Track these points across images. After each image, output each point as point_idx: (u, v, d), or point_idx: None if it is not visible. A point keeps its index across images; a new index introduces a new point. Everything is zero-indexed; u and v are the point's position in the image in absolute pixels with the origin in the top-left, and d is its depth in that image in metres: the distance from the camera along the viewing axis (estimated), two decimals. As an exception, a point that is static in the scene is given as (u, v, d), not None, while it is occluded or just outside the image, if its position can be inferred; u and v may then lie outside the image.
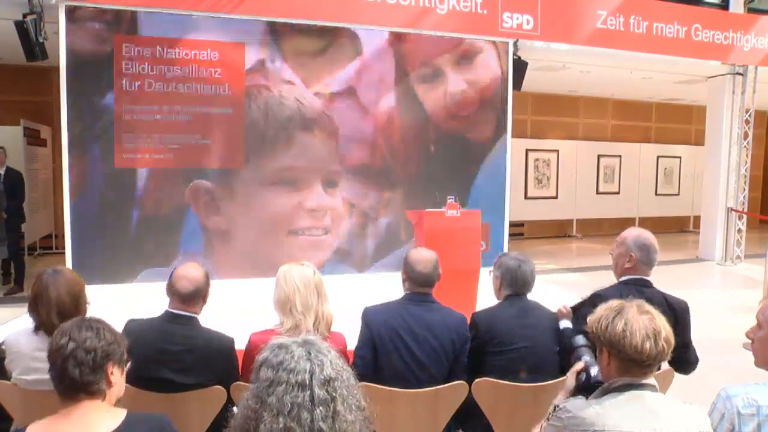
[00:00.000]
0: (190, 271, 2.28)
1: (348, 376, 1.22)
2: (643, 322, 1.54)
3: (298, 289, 2.24)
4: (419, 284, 2.48)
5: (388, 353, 2.35)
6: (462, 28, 6.94)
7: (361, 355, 2.38)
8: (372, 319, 2.42)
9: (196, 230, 6.28)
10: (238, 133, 6.41)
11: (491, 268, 2.65)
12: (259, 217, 6.48)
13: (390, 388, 2.22)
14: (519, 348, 2.38)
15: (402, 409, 2.22)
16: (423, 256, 2.54)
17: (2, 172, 6.47)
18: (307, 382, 1.16)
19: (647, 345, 1.51)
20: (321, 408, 1.15)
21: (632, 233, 2.52)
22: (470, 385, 2.27)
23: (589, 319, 1.65)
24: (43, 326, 2.15)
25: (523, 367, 2.37)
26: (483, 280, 4.91)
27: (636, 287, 2.39)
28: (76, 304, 2.16)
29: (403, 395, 2.22)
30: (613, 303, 1.63)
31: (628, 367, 1.55)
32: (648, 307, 1.60)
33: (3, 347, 2.37)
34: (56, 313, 2.13)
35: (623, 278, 2.49)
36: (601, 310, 1.63)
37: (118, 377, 1.49)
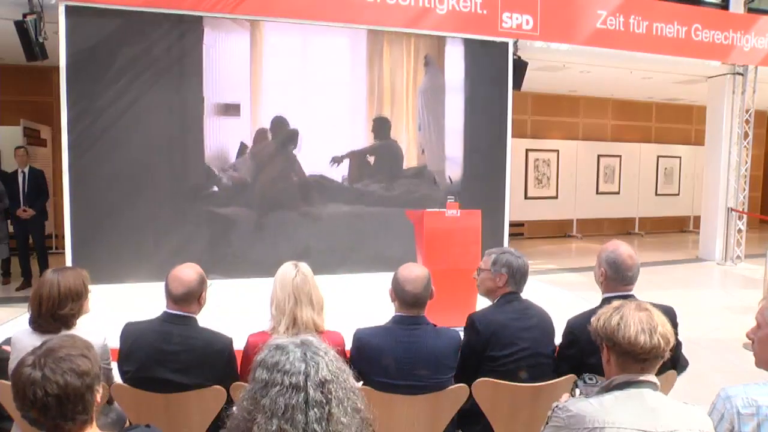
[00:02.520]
0: (183, 273, 2.27)
1: (345, 378, 1.21)
2: (638, 317, 1.57)
3: (286, 289, 2.26)
4: (409, 305, 2.28)
5: (376, 380, 2.22)
6: (462, 28, 6.94)
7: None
8: (361, 342, 2.29)
9: (197, 229, 6.28)
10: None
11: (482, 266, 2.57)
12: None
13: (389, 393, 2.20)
14: (519, 351, 2.36)
15: (401, 412, 2.21)
16: (414, 273, 2.30)
17: (26, 171, 6.49)
18: (302, 383, 1.14)
19: (641, 338, 1.53)
20: (315, 410, 1.14)
21: (608, 247, 2.44)
22: (469, 386, 2.26)
23: (592, 318, 1.68)
24: (33, 322, 2.19)
25: (523, 366, 2.35)
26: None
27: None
28: (64, 305, 2.17)
29: (401, 398, 2.20)
30: (616, 302, 1.67)
31: (625, 361, 1.57)
32: (647, 305, 1.64)
33: (4, 347, 2.38)
34: (45, 309, 2.16)
35: (605, 296, 2.40)
36: (604, 309, 1.66)
37: (100, 391, 1.36)
